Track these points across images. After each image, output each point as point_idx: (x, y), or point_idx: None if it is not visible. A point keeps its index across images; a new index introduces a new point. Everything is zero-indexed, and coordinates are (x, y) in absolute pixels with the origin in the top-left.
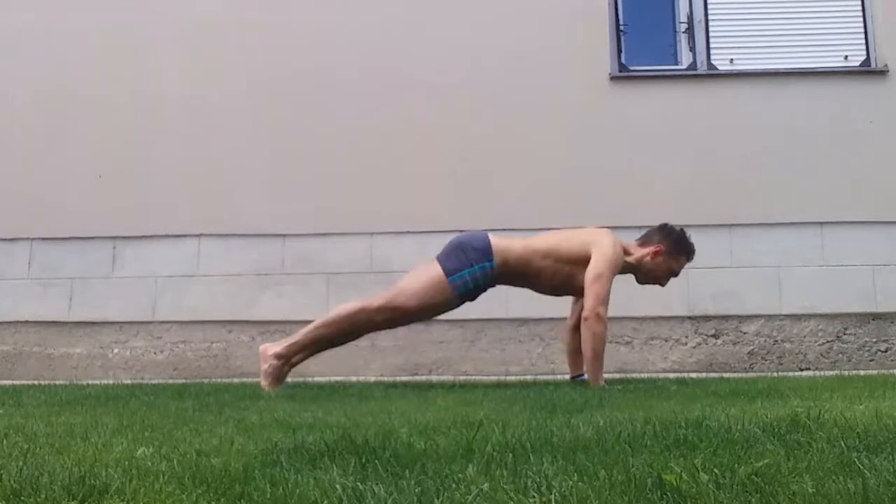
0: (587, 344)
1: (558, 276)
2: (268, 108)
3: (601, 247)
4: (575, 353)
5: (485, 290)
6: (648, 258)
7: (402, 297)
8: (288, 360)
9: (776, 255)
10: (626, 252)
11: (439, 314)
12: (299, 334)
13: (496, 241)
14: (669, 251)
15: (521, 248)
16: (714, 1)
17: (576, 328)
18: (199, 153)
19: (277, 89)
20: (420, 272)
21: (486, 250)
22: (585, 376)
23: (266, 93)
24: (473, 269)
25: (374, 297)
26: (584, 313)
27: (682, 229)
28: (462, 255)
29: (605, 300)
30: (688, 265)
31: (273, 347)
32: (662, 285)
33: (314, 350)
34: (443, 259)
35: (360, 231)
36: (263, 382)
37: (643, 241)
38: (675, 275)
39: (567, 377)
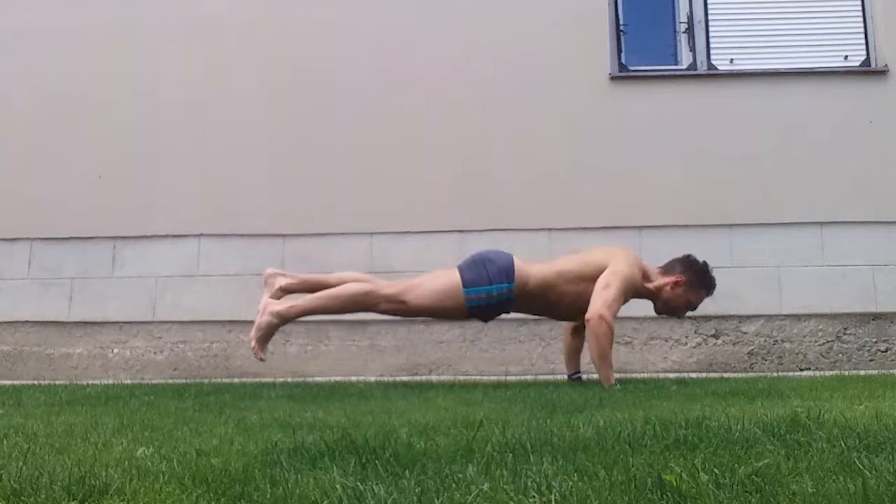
0: (592, 347)
1: (581, 298)
2: (268, 108)
3: (616, 263)
4: (571, 353)
5: (498, 314)
6: (668, 288)
7: (412, 294)
8: (285, 321)
9: (776, 255)
10: (647, 277)
11: (446, 321)
12: (304, 300)
13: (519, 263)
14: (690, 283)
15: (544, 271)
16: (714, 1)
17: (575, 329)
18: (199, 153)
19: (278, 89)
20: (438, 275)
21: (508, 270)
22: (582, 376)
23: (266, 93)
24: (491, 287)
25: (386, 284)
26: (588, 314)
27: (704, 262)
28: (483, 271)
29: (610, 305)
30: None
31: (275, 305)
32: (679, 317)
33: (314, 314)
34: (463, 269)
35: (360, 231)
36: (254, 335)
37: (665, 270)
38: (694, 308)
39: (565, 376)
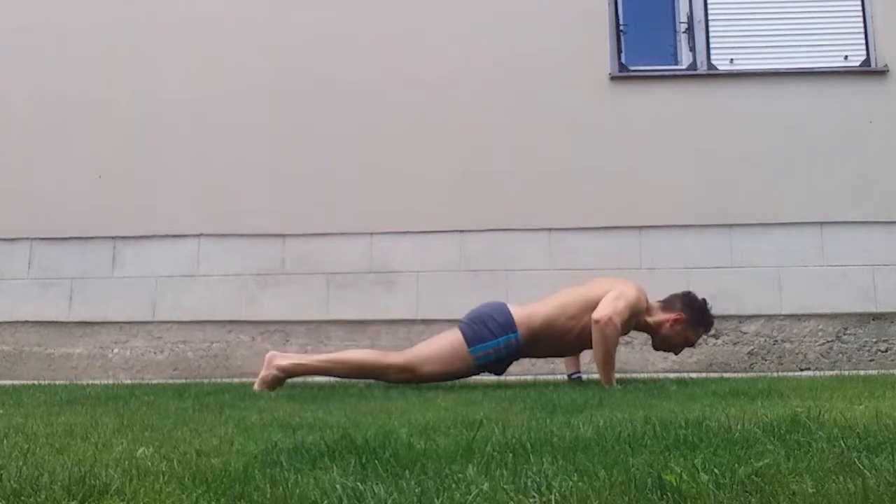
0: (597, 346)
1: (586, 330)
2: (268, 108)
3: (623, 286)
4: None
5: (509, 363)
6: (668, 325)
7: (420, 361)
8: (290, 376)
9: (776, 255)
10: (648, 311)
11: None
12: (310, 358)
13: (516, 310)
14: (689, 321)
15: (545, 310)
16: (714, 1)
17: None
18: (199, 153)
19: (278, 89)
20: (442, 340)
21: (508, 323)
22: (582, 375)
23: (266, 93)
24: (497, 341)
25: (395, 354)
26: (596, 316)
27: (704, 300)
28: (484, 327)
29: (620, 313)
30: (689, 265)
31: (280, 359)
32: (676, 353)
33: (317, 375)
34: (465, 327)
35: (359, 231)
36: (257, 385)
37: (665, 306)
38: (692, 345)
39: (565, 376)
